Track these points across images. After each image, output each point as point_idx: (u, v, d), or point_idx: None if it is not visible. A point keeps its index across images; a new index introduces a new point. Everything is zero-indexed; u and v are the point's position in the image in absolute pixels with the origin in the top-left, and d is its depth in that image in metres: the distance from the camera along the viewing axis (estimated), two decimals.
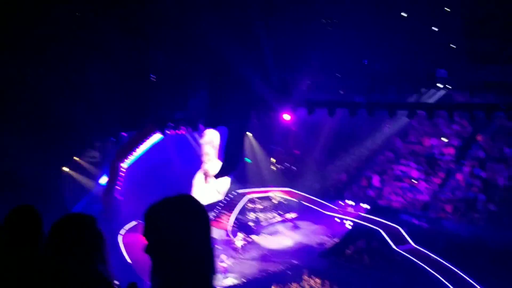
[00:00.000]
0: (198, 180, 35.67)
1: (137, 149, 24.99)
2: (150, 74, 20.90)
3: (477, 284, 24.74)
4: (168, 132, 24.09)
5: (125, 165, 24.73)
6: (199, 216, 2.31)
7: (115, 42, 19.71)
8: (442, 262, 27.13)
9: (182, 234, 2.24)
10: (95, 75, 19.93)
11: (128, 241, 25.30)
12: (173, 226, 2.24)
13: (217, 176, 25.12)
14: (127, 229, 27.75)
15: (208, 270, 2.30)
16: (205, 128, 24.42)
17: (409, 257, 28.12)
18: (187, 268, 2.23)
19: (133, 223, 28.04)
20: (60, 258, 3.07)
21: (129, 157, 24.83)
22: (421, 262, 27.41)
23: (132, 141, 24.42)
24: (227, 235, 31.79)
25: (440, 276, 25.80)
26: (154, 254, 2.29)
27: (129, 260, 23.73)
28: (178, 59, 22.00)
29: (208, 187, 35.82)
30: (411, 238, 30.00)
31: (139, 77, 20.06)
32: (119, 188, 24.71)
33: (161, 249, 2.25)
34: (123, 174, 24.87)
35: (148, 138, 24.97)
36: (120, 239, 28.38)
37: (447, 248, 28.88)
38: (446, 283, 25.16)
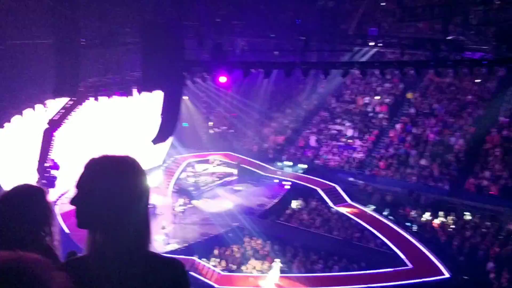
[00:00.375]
0: (133, 145, 35.20)
1: (70, 116, 24.27)
2: (80, 38, 20.17)
3: (410, 236, 25.71)
4: (102, 97, 23.45)
5: (58, 133, 24.02)
6: (136, 177, 2.24)
7: (43, 6, 18.99)
8: (377, 218, 28.02)
9: (116, 192, 2.16)
10: (22, 40, 19.17)
11: (65, 210, 24.79)
12: (107, 181, 2.16)
13: (154, 141, 24.74)
14: (63, 198, 27.18)
15: (141, 233, 2.23)
16: (140, 93, 23.89)
17: (346, 214, 28.88)
18: (118, 229, 2.16)
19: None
20: (7, 230, 2.95)
21: (62, 124, 24.11)
22: (357, 218, 28.20)
23: (65, 108, 23.69)
24: (168, 200, 31.66)
25: (375, 230, 26.62)
26: (80, 206, 2.19)
27: (66, 230, 23.30)
28: (110, 22, 21.39)
29: (144, 153, 35.43)
30: (347, 196, 30.77)
31: (69, 42, 19.32)
32: (53, 157, 24.02)
33: (90, 203, 2.16)
34: (56, 143, 24.15)
35: (81, 105, 24.26)
36: (56, 208, 27.90)
37: (382, 204, 29.82)
38: (381, 237, 26.00)
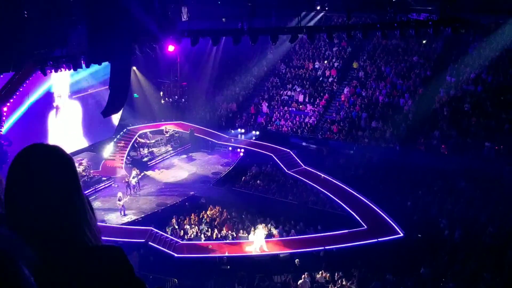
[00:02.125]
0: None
1: (18, 91, 23.71)
2: (23, 10, 19.53)
3: (363, 198, 26.27)
4: (49, 71, 22.91)
5: (6, 108, 23.45)
6: (61, 166, 2.13)
7: None
8: (331, 180, 28.51)
9: (43, 182, 2.05)
10: None
11: None
12: (34, 172, 2.06)
13: (104, 113, 24.38)
14: None
15: (71, 221, 2.08)
16: (88, 65, 23.40)
17: (300, 178, 29.26)
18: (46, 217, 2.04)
19: None
20: None
21: (10, 100, 23.54)
22: (312, 182, 28.62)
23: (12, 83, 23.09)
24: (122, 172, 31.43)
25: (330, 193, 27.11)
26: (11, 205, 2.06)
27: None
28: None
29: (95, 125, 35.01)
30: (301, 160, 31.14)
31: (10, 14, 18.70)
32: (2, 132, 23.47)
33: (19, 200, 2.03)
34: (5, 118, 23.59)
35: (28, 79, 23.69)
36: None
37: (335, 167, 30.32)
38: (336, 199, 26.52)
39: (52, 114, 31.07)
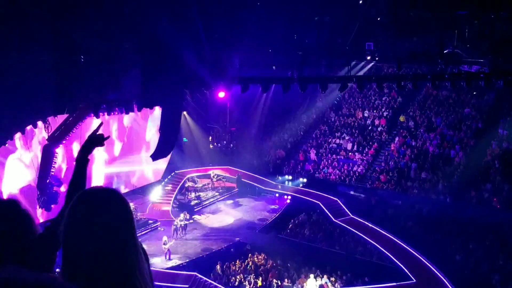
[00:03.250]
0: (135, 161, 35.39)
1: (71, 133, 24.41)
2: (80, 55, 20.29)
3: (412, 250, 25.63)
4: (102, 114, 23.55)
5: (59, 149, 24.15)
6: (119, 210, 2.20)
7: (40, 21, 19.10)
8: (379, 231, 27.97)
9: (98, 227, 2.09)
10: (21, 58, 19.25)
11: None
12: (87, 218, 2.10)
13: (153, 157, 24.84)
14: None
15: (125, 266, 2.11)
16: (139, 109, 23.99)
17: (348, 228, 28.83)
18: (100, 264, 2.06)
19: None
20: None
21: (63, 141, 24.23)
22: (359, 232, 28.16)
23: (66, 125, 23.81)
24: (169, 216, 31.65)
25: (377, 244, 26.58)
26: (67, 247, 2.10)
27: None
28: (108, 38, 21.48)
29: (145, 168, 35.63)
30: (348, 209, 30.74)
31: (68, 58, 19.45)
32: (54, 173, 24.09)
33: (75, 243, 2.08)
34: (56, 159, 24.24)
35: (82, 121, 24.39)
36: None
37: (383, 217, 29.80)
38: (384, 250, 25.96)
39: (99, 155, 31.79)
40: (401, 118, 37.02)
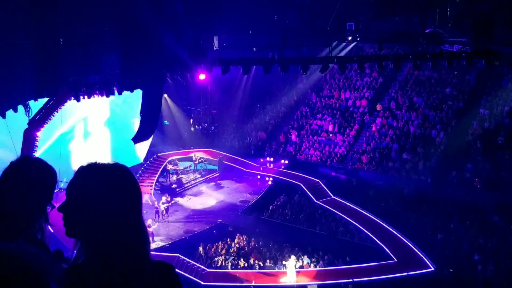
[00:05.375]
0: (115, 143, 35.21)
1: (52, 117, 24.09)
2: (59, 38, 19.95)
3: (394, 230, 25.83)
4: (82, 97, 23.25)
5: (40, 133, 23.84)
6: (129, 186, 2.23)
7: (20, 4, 18.75)
8: (360, 211, 28.13)
9: (109, 202, 2.13)
10: (0, 42, 18.90)
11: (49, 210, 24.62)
12: (99, 190, 2.13)
13: (134, 140, 24.65)
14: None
15: (137, 242, 2.19)
16: (120, 92, 23.73)
17: (329, 209, 28.94)
18: (112, 239, 2.12)
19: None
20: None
21: (43, 125, 23.92)
22: (340, 213, 28.29)
23: (47, 108, 23.49)
24: (151, 198, 31.53)
25: (359, 225, 26.73)
26: (69, 213, 2.15)
27: (51, 230, 23.17)
28: (88, 21, 21.16)
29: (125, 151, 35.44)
30: (330, 190, 30.84)
31: (47, 42, 19.13)
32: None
33: (80, 212, 2.11)
34: (37, 143, 23.96)
35: (62, 105, 24.08)
36: None
37: (365, 198, 29.95)
38: (365, 231, 26.13)
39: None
40: (378, 107, 36.91)
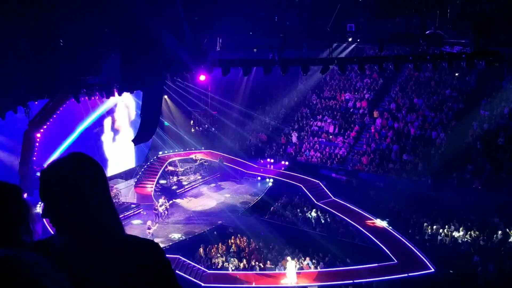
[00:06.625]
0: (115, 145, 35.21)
1: (52, 118, 24.12)
2: (59, 39, 19.95)
3: (394, 231, 25.82)
4: (82, 98, 23.26)
5: (40, 134, 23.86)
6: (92, 169, 2.32)
7: (19, 5, 18.73)
8: (360, 212, 28.11)
9: (77, 189, 2.24)
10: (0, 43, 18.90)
11: None
12: (67, 181, 2.24)
13: (134, 141, 24.64)
14: None
15: (108, 218, 2.32)
16: (120, 93, 23.72)
17: (330, 210, 28.93)
18: (87, 221, 2.26)
19: None
20: None
21: (44, 126, 23.94)
22: (340, 214, 28.28)
23: (47, 109, 23.52)
24: (151, 200, 31.52)
25: (359, 226, 26.73)
26: (52, 215, 2.30)
27: (52, 231, 23.14)
28: (88, 21, 21.14)
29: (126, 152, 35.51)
30: (330, 192, 30.83)
31: (47, 43, 19.12)
32: (35, 158, 23.81)
33: (58, 208, 2.26)
34: (38, 144, 23.97)
35: (62, 106, 24.10)
36: (40, 210, 27.61)
37: (365, 199, 29.94)
38: (365, 232, 26.12)
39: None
40: (375, 114, 36.81)
